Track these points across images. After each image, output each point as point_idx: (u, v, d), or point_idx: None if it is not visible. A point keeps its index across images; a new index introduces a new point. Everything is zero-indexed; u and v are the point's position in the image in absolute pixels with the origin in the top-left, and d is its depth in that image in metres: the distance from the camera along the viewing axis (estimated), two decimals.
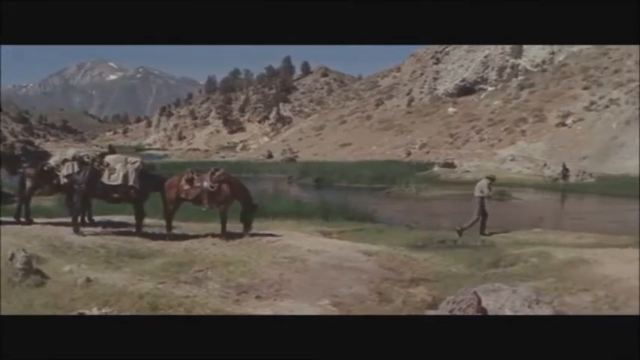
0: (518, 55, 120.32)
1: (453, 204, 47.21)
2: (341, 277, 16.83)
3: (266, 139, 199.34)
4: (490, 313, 11.17)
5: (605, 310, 13.44)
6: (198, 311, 12.20)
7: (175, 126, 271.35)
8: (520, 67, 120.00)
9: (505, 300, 11.52)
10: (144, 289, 13.17)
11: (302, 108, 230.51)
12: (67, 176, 21.22)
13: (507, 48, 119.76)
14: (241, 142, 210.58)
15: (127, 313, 11.42)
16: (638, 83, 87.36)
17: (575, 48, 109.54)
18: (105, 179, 20.74)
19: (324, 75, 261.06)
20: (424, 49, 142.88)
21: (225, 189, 21.31)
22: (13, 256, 13.67)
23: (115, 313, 11.31)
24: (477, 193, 28.37)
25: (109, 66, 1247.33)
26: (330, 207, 33.67)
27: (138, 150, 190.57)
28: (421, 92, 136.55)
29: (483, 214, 27.94)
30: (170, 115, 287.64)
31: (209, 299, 13.36)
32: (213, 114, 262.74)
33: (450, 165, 77.43)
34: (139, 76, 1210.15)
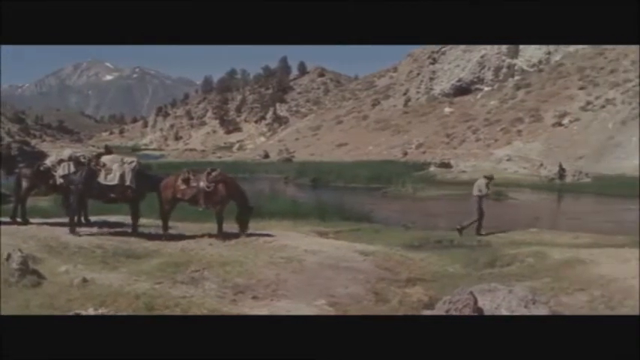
0: (515, 55, 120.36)
1: (450, 204, 47.24)
2: (337, 277, 16.85)
3: (262, 139, 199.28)
4: (486, 313, 11.19)
5: (602, 310, 13.46)
6: (195, 311, 12.20)
7: (172, 126, 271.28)
8: (516, 67, 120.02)
9: (501, 300, 11.54)
10: (140, 290, 13.17)
11: (298, 108, 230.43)
12: (63, 176, 21.24)
13: (503, 48, 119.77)
14: (238, 142, 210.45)
15: (124, 314, 11.42)
16: (634, 83, 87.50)
17: (572, 48, 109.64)
18: (101, 179, 20.75)
19: (321, 75, 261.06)
20: (421, 49, 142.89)
21: (222, 189, 21.32)
22: (9, 257, 13.67)
23: (111, 313, 11.31)
24: (476, 192, 28.40)
25: (105, 66, 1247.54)
26: (327, 207, 33.66)
27: (134, 150, 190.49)
28: (418, 92, 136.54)
29: (480, 213, 27.98)
30: (166, 115, 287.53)
31: (206, 299, 13.36)
32: (209, 114, 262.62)
33: (446, 165, 77.37)
34: (135, 76, 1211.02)
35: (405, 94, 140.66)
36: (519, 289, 12.18)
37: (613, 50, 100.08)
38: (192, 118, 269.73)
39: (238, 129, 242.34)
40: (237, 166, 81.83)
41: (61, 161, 21.60)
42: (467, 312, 10.93)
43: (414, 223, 32.12)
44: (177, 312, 12.02)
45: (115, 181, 20.76)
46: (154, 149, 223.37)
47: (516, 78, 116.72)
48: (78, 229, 20.14)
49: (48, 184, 21.95)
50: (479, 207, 28.04)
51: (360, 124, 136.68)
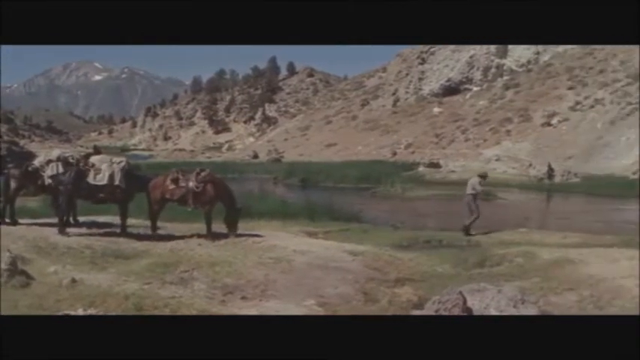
0: (504, 55, 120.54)
1: (439, 204, 47.40)
2: (326, 277, 16.85)
3: (252, 139, 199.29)
4: (475, 312, 11.20)
5: (590, 310, 13.50)
6: (184, 312, 12.18)
7: (161, 126, 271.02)
8: (505, 67, 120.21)
9: (490, 300, 11.54)
10: (129, 290, 13.15)
11: (287, 108, 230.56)
12: (51, 177, 21.17)
13: (492, 48, 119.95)
14: (227, 142, 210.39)
15: (113, 314, 11.40)
16: (622, 83, 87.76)
17: (560, 48, 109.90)
18: (90, 179, 20.69)
19: (310, 75, 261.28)
20: (410, 50, 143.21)
21: (210, 189, 21.29)
22: None
23: (100, 314, 11.28)
24: (469, 191, 28.43)
25: (94, 66, 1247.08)
26: (316, 207, 33.65)
27: (123, 150, 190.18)
28: (407, 92, 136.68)
29: (470, 212, 28.03)
30: (155, 115, 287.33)
31: (195, 300, 13.35)
32: (198, 114, 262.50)
33: (435, 165, 77.48)
34: (124, 76, 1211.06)
35: (394, 94, 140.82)
36: (508, 289, 12.19)
37: (602, 50, 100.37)
38: (181, 119, 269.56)
39: (227, 129, 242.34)
40: (226, 166, 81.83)
41: (49, 161, 21.52)
42: (456, 312, 10.93)
43: (403, 223, 32.16)
44: (167, 312, 12.00)
45: (104, 181, 20.71)
46: (143, 149, 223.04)
47: (505, 78, 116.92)
48: (67, 230, 20.09)
49: (36, 185, 21.87)
50: (475, 205, 28.11)
51: (349, 124, 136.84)
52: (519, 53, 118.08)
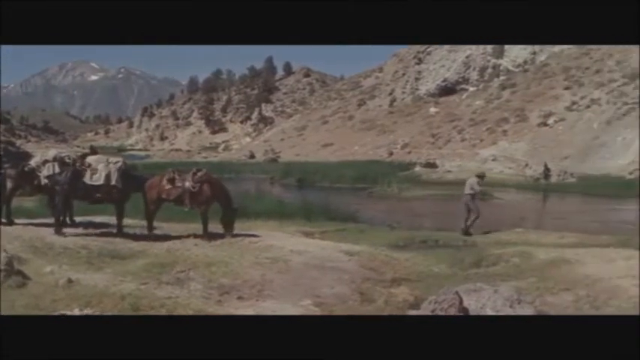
0: (500, 55, 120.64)
1: (435, 204, 47.42)
2: (323, 277, 16.84)
3: (248, 139, 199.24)
4: (472, 313, 11.20)
5: (587, 310, 13.51)
6: (181, 312, 12.17)
7: (157, 126, 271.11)
8: (501, 68, 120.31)
9: (487, 300, 11.55)
10: (126, 290, 13.13)
11: (284, 108, 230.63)
12: (47, 177, 21.16)
13: (489, 48, 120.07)
14: (223, 142, 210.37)
15: (109, 314, 11.39)
16: (619, 83, 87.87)
17: (557, 48, 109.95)
18: (87, 179, 20.69)
19: (307, 75, 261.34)
20: (406, 49, 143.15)
21: (207, 190, 21.26)
22: None
23: (96, 314, 11.28)
24: (468, 191, 28.51)
25: (91, 66, 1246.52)
26: (312, 207, 33.65)
27: (120, 150, 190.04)
28: (403, 92, 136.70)
29: (468, 212, 28.09)
30: (152, 115, 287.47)
31: (191, 300, 13.34)
32: (195, 114, 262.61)
33: (431, 165, 77.49)
34: (120, 76, 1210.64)
35: (390, 94, 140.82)
36: (505, 288, 12.19)
37: (598, 50, 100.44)
38: (177, 119, 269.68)
39: (224, 129, 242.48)
40: (222, 166, 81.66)
41: (45, 162, 21.51)
42: (452, 312, 10.93)
43: (400, 223, 32.15)
44: (163, 313, 11.98)
45: (101, 181, 20.70)
46: (140, 149, 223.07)
47: (502, 78, 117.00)
48: (63, 230, 20.08)
49: (33, 185, 21.85)
50: (474, 205, 28.17)
51: (345, 124, 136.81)
52: (516, 53, 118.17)
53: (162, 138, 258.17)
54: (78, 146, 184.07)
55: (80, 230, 21.24)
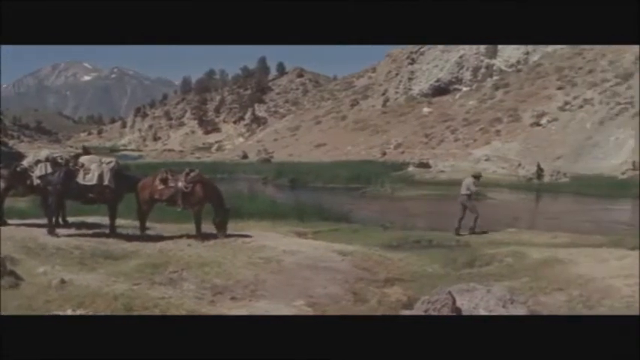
0: (493, 55, 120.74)
1: (428, 204, 47.52)
2: (316, 277, 16.85)
3: (241, 139, 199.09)
4: (465, 312, 11.21)
5: (579, 310, 13.53)
6: (173, 312, 12.16)
7: (150, 127, 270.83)
8: (495, 68, 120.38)
9: (479, 300, 11.56)
10: (118, 291, 13.12)
11: (277, 108, 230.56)
12: (40, 177, 21.10)
13: (482, 48, 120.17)
14: (216, 142, 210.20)
15: (102, 314, 11.38)
16: (611, 83, 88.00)
17: (550, 48, 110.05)
18: (80, 179, 20.64)
19: (300, 75, 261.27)
20: (399, 50, 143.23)
21: (199, 190, 21.23)
22: None
23: (89, 314, 11.27)
24: (464, 191, 28.60)
25: (84, 66, 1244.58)
26: (306, 207, 33.70)
27: (112, 151, 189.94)
28: (396, 92, 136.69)
29: (463, 212, 28.14)
30: (145, 115, 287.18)
31: (184, 300, 13.33)
32: (188, 115, 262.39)
33: (424, 165, 77.55)
34: (113, 76, 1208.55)
35: (383, 94, 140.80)
36: (498, 288, 12.21)
37: (591, 50, 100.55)
38: (170, 119, 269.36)
39: (217, 129, 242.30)
40: (215, 166, 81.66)
41: (38, 162, 21.45)
42: (445, 312, 10.94)
43: (393, 223, 32.13)
44: (156, 313, 11.97)
45: (94, 181, 20.67)
46: (133, 150, 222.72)
47: (495, 78, 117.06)
48: (56, 230, 20.04)
49: (25, 185, 21.80)
50: (471, 205, 28.25)
51: (338, 124, 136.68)
52: (509, 53, 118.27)
53: (155, 138, 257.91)
54: (71, 146, 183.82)
55: (73, 231, 21.18)
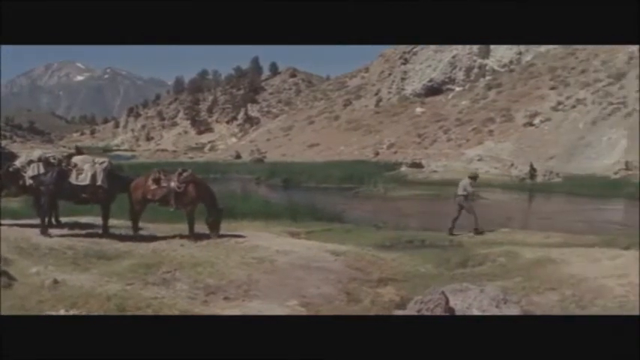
0: (486, 55, 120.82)
1: (421, 204, 47.57)
2: (309, 277, 16.84)
3: (234, 139, 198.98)
4: (458, 312, 11.22)
5: (572, 310, 13.56)
6: (167, 312, 12.15)
7: (143, 127, 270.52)
8: (487, 68, 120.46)
9: (473, 300, 11.57)
10: (111, 291, 13.10)
11: (270, 108, 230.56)
12: (32, 177, 21.05)
13: (475, 48, 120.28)
14: (209, 142, 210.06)
15: (95, 314, 11.37)
16: (604, 83, 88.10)
17: (543, 48, 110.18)
18: (73, 179, 20.62)
19: (293, 75, 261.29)
20: (392, 50, 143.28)
21: (192, 190, 21.22)
22: None
23: (82, 314, 11.26)
24: (460, 192, 28.69)
25: (77, 66, 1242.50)
26: (299, 207, 33.72)
27: (105, 151, 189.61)
28: (389, 92, 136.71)
29: (459, 212, 28.21)
30: (138, 115, 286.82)
31: (177, 300, 13.32)
32: (181, 115, 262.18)
33: (417, 165, 77.58)
34: (106, 76, 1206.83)
35: (376, 94, 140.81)
36: (491, 288, 12.23)
37: (584, 50, 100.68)
38: (163, 119, 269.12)
39: (210, 129, 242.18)
40: (208, 166, 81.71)
41: (30, 162, 21.38)
42: (438, 312, 10.95)
43: (386, 223, 32.16)
44: (149, 313, 11.97)
45: (87, 181, 20.64)
46: (126, 150, 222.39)
47: (487, 78, 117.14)
48: (49, 231, 20.01)
49: (18, 185, 21.73)
50: (468, 206, 28.32)
51: (331, 124, 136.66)
52: (501, 53, 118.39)
53: (148, 138, 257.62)
54: (64, 147, 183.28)
55: (66, 231, 21.13)
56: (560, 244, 24.02)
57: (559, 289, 15.04)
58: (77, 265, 16.53)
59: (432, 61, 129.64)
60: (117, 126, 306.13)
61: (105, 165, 21.24)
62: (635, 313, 12.25)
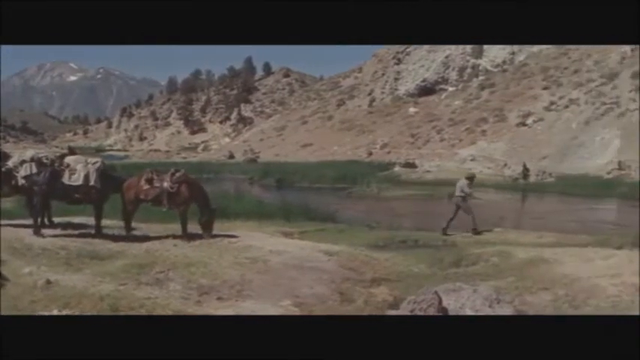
0: (479, 55, 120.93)
1: (414, 204, 47.55)
2: (302, 277, 16.82)
3: (227, 139, 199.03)
4: (451, 312, 11.23)
5: (565, 309, 13.56)
6: (160, 312, 12.15)
7: (136, 127, 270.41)
8: (480, 68, 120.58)
9: (466, 299, 11.58)
10: (104, 291, 13.09)
11: (263, 108, 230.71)
12: (25, 177, 21.01)
13: (468, 48, 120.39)
14: (202, 142, 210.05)
15: (88, 314, 11.36)
16: (597, 83, 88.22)
17: (536, 48, 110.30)
18: (65, 180, 20.57)
19: (286, 75, 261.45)
20: (385, 50, 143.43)
21: (184, 190, 21.17)
22: None
23: (76, 314, 11.25)
24: (458, 193, 28.72)
25: (69, 67, 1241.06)
26: (292, 207, 33.67)
27: (98, 151, 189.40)
28: (382, 92, 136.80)
29: (455, 213, 28.22)
30: (131, 115, 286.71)
31: (170, 300, 13.30)
32: (174, 115, 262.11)
33: (410, 165, 77.54)
34: (99, 76, 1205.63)
35: (369, 94, 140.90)
36: (484, 288, 12.23)
37: (576, 50, 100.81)
38: (156, 119, 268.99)
39: (203, 129, 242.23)
40: (202, 166, 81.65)
41: (23, 162, 21.33)
42: (431, 312, 10.95)
43: (379, 223, 32.12)
44: (142, 313, 11.96)
45: (80, 182, 20.59)
46: (119, 150, 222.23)
47: (480, 78, 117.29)
48: (42, 231, 19.97)
49: (10, 185, 21.67)
50: (466, 206, 28.33)
51: (325, 124, 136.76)
52: (494, 53, 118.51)
53: (141, 138, 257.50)
54: (56, 147, 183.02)
55: (59, 231, 21.09)
56: (553, 243, 24.01)
57: (552, 288, 15.03)
58: (70, 266, 16.49)
59: (425, 61, 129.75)
60: (110, 126, 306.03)
61: (98, 165, 21.19)
62: (628, 312, 12.27)
